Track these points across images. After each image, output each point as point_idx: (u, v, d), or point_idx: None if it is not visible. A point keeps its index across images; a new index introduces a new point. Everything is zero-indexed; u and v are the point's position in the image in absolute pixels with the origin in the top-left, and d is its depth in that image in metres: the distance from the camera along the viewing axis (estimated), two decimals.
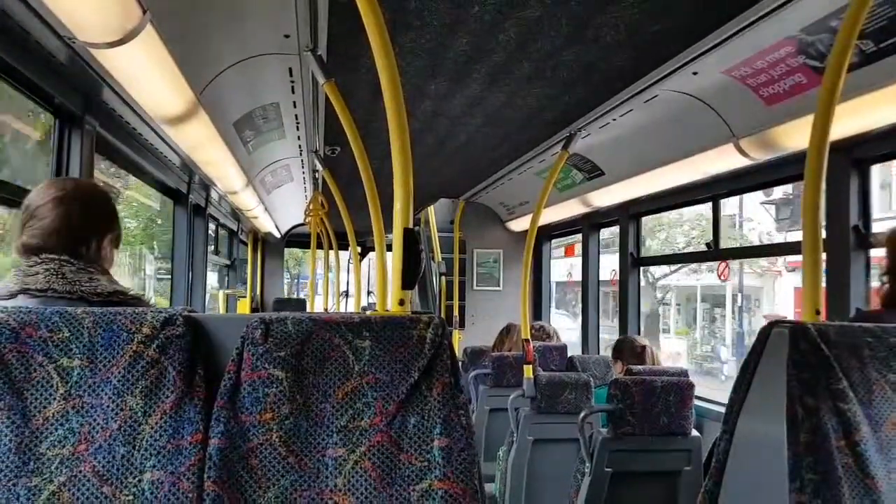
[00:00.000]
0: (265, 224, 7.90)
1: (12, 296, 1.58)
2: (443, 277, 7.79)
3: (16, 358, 1.32)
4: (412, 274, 1.56)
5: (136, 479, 1.30)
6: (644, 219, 5.55)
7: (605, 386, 3.40)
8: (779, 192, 14.33)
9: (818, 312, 1.74)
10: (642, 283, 5.70)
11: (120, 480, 1.30)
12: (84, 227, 1.72)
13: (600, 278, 6.21)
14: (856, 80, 2.46)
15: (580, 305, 6.53)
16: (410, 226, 1.57)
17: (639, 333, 5.27)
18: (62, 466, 1.30)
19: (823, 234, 2.58)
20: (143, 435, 1.32)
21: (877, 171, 3.23)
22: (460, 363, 5.59)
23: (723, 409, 1.82)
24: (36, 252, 1.65)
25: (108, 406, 1.33)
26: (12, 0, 1.96)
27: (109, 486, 1.30)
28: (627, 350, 3.89)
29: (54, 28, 2.12)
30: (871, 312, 2.30)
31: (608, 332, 7.13)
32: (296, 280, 23.00)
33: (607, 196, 5.21)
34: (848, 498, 1.48)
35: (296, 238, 10.25)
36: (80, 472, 1.30)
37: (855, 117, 2.67)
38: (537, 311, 7.59)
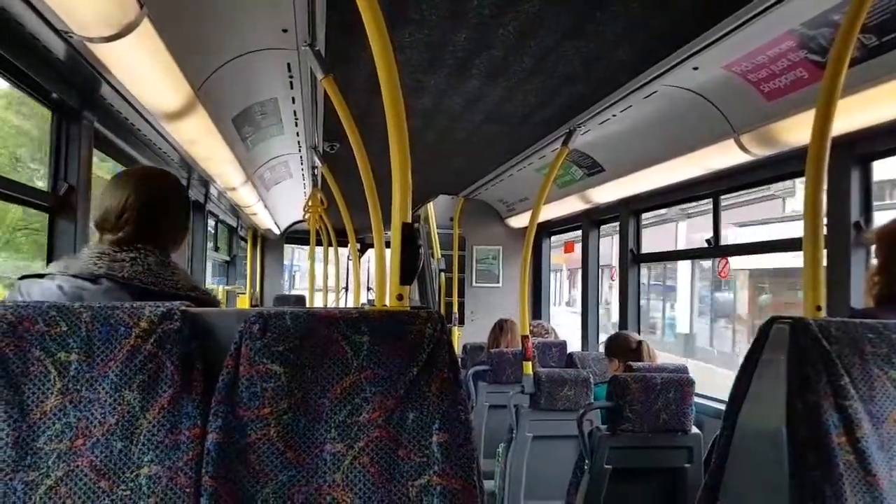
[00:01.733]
0: (264, 221, 7.89)
1: (95, 278, 1.64)
2: (442, 274, 7.78)
3: (13, 352, 1.31)
4: (410, 269, 1.54)
5: (134, 473, 1.30)
6: None
7: (605, 383, 3.38)
8: None
9: (819, 308, 1.73)
10: None
11: (117, 475, 1.29)
12: (168, 224, 1.81)
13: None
14: (858, 74, 2.44)
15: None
16: (409, 221, 1.56)
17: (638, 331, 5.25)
18: (59, 461, 1.29)
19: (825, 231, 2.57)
20: (140, 429, 1.31)
21: None
22: (459, 360, 5.58)
23: (723, 407, 1.81)
24: (118, 243, 1.71)
25: (105, 401, 1.32)
26: None
27: (107, 481, 1.29)
28: (620, 347, 3.86)
29: (51, 23, 2.11)
30: (863, 311, 2.29)
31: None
32: None
33: (607, 192, 5.21)
34: (849, 495, 1.47)
35: (295, 235, 10.24)
36: (78, 466, 1.29)
37: (857, 113, 2.65)
38: (537, 307, 7.57)
